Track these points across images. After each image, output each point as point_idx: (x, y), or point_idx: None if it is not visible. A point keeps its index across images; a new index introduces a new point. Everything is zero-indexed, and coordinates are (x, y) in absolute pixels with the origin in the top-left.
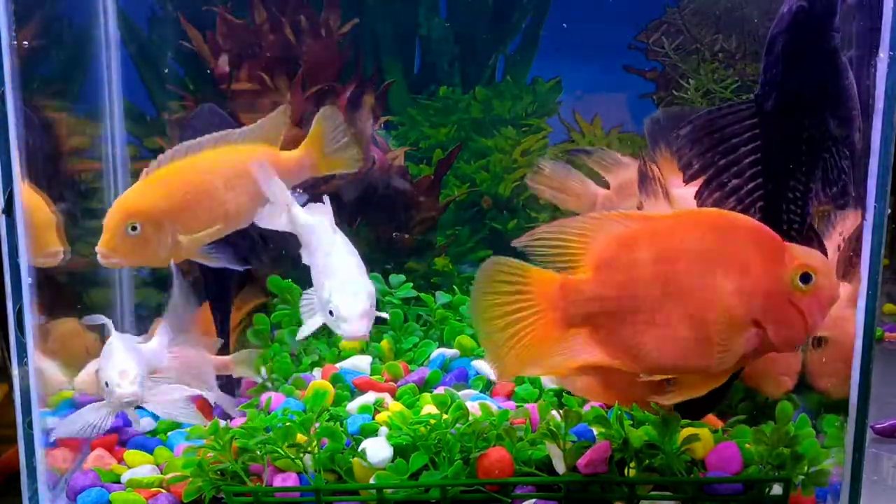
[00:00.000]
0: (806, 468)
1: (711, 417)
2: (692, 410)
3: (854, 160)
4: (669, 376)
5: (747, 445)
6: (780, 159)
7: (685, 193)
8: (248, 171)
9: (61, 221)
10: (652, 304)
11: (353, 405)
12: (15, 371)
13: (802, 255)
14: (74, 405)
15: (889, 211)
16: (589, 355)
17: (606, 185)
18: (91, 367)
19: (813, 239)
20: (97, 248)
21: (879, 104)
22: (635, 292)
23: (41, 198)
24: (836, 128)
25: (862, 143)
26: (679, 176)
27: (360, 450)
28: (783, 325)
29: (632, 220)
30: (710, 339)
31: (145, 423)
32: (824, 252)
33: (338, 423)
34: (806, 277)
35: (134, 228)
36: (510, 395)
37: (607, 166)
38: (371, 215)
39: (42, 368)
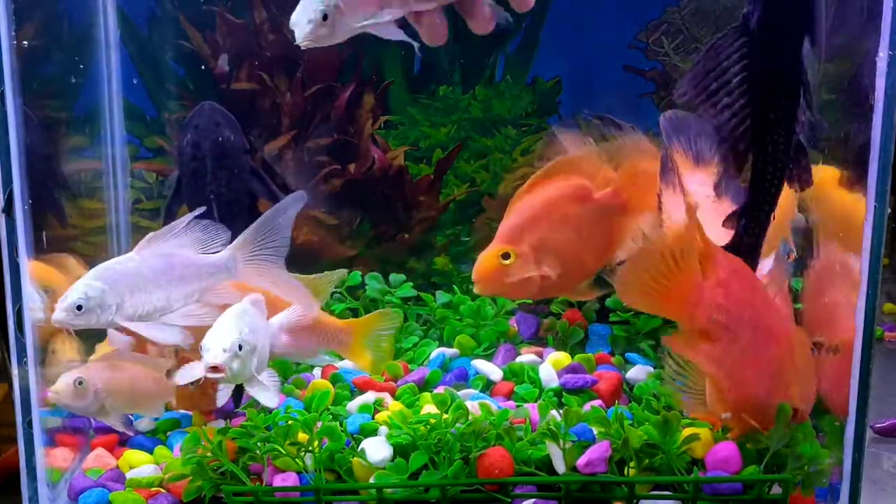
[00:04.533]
0: (806, 468)
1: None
2: None
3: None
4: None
5: (747, 445)
6: (766, 76)
7: (699, 189)
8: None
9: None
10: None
11: (352, 405)
12: (15, 371)
13: None
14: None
15: (889, 211)
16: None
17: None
18: (69, 376)
19: (801, 152)
20: None
21: (879, 103)
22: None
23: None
24: (812, 50)
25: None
26: (692, 170)
27: (359, 449)
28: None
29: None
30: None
31: (145, 424)
32: (809, 175)
33: (337, 423)
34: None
35: None
36: (510, 395)
37: (626, 150)
38: (371, 214)
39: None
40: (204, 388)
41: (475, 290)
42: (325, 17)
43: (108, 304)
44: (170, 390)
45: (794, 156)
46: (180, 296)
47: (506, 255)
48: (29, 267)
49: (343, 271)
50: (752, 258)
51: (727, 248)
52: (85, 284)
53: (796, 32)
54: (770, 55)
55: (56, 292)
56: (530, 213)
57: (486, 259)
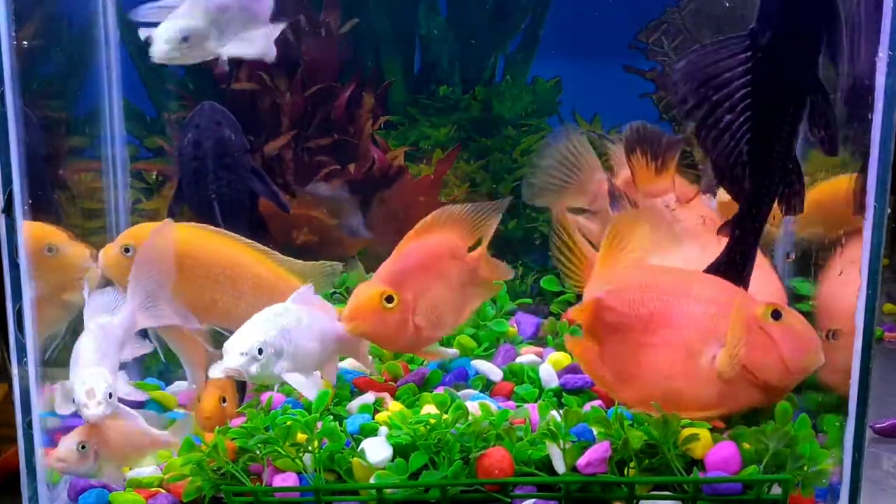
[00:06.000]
0: (805, 468)
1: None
2: None
3: (834, 107)
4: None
5: (746, 445)
6: (770, 97)
7: (658, 203)
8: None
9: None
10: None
11: (352, 405)
12: (15, 371)
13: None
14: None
15: (889, 210)
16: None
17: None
18: (70, 440)
19: (796, 176)
20: None
21: (879, 103)
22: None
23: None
24: (826, 72)
25: (851, 94)
26: (654, 180)
27: (359, 449)
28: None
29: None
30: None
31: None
32: (802, 194)
33: (337, 423)
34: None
35: (127, 250)
36: (510, 395)
37: (622, 160)
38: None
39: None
40: (226, 411)
41: (346, 327)
42: (184, 40)
43: (111, 386)
44: (160, 442)
45: (788, 179)
46: (117, 361)
47: (389, 298)
48: (28, 227)
49: (338, 266)
50: (744, 267)
51: (721, 257)
52: (101, 379)
53: (810, 55)
54: (779, 75)
55: (59, 250)
56: (416, 261)
57: (369, 298)
